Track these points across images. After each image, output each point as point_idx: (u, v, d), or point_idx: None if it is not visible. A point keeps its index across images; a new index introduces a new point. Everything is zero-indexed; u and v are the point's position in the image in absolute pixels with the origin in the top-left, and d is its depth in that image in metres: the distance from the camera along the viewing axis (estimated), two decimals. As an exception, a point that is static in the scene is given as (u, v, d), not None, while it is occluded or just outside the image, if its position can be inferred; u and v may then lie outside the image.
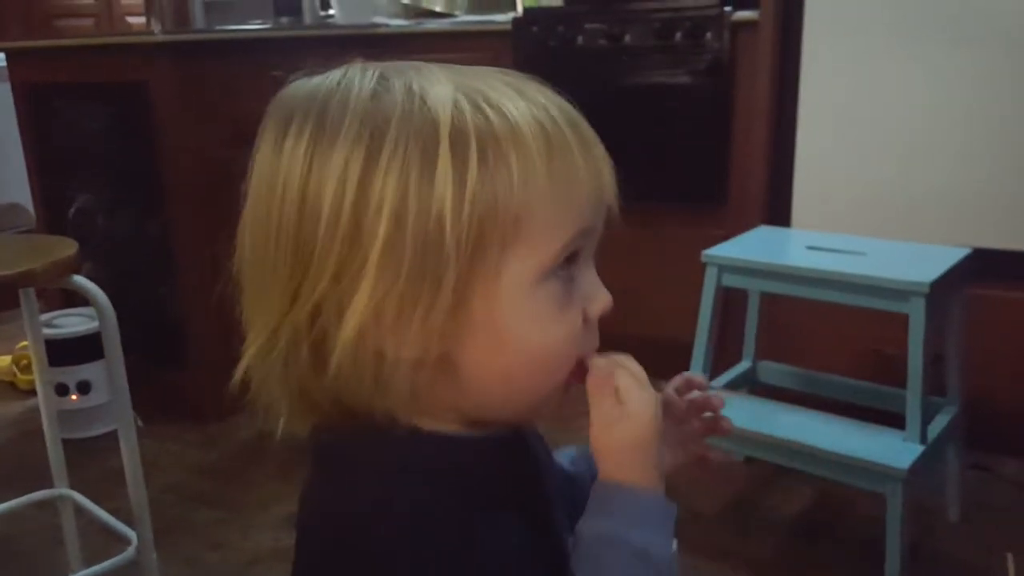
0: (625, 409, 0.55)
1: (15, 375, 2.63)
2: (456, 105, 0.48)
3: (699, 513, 1.94)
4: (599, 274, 0.56)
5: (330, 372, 0.49)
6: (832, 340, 2.10)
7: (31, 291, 1.55)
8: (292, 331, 0.50)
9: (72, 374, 2.30)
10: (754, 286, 1.89)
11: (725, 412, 0.67)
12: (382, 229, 0.47)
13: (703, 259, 1.81)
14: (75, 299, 2.51)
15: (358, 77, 0.50)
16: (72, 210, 2.46)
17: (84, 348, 2.26)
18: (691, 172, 2.41)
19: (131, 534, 1.51)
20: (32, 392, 2.44)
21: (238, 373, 0.53)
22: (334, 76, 0.51)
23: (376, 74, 0.51)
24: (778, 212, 2.26)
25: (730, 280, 1.82)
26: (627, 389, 0.55)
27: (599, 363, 0.55)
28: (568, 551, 0.57)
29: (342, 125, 0.48)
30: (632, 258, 2.51)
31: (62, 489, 1.67)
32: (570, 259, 0.52)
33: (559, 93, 0.54)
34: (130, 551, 1.49)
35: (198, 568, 1.79)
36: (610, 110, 2.55)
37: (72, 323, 2.33)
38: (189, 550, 1.85)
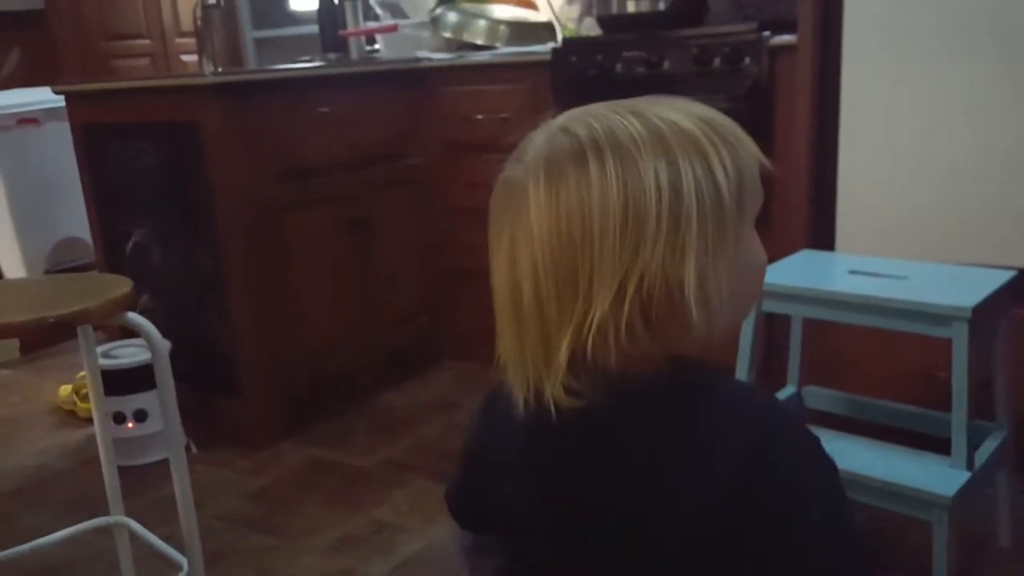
0: None
1: (75, 404, 2.72)
2: (694, 123, 0.66)
3: (744, 540, 1.92)
4: None
5: (660, 327, 0.65)
6: (879, 364, 2.08)
7: (89, 327, 1.62)
8: (630, 306, 0.64)
9: (129, 403, 2.37)
10: (795, 311, 1.88)
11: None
12: (694, 211, 0.64)
13: (742, 285, 1.81)
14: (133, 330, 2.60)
15: (617, 120, 0.66)
16: (129, 244, 2.55)
17: (141, 377, 2.33)
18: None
19: (183, 560, 1.55)
20: (91, 420, 2.52)
21: (561, 360, 0.66)
22: (592, 123, 0.67)
23: (630, 113, 0.67)
24: (822, 236, 2.25)
25: (770, 306, 1.82)
26: None
27: None
28: None
29: (639, 150, 0.64)
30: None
31: (117, 516, 1.73)
32: None
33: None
34: (181, 577, 1.53)
35: (248, 594, 1.83)
36: (651, 136, 2.57)
37: (130, 353, 2.41)
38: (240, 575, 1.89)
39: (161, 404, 1.51)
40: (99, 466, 1.74)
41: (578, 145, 0.66)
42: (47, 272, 3.25)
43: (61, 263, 3.17)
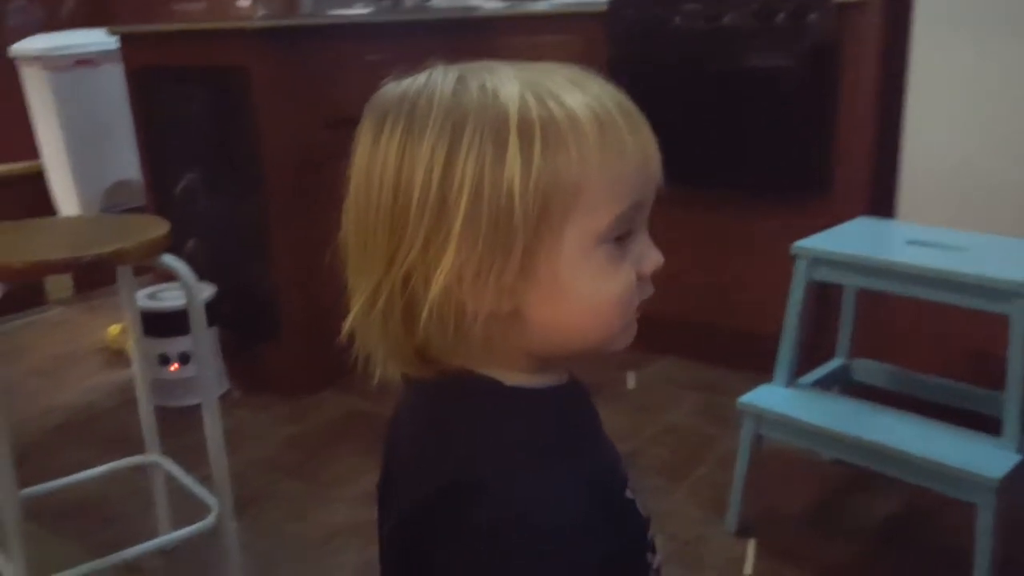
0: None
1: (124, 343, 2.77)
2: (523, 99, 0.57)
3: (780, 513, 1.88)
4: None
5: (420, 325, 0.58)
6: (933, 338, 2.00)
7: (128, 268, 1.63)
8: (388, 292, 0.59)
9: (174, 345, 2.40)
10: (845, 280, 1.81)
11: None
12: (463, 204, 0.56)
13: (792, 251, 1.75)
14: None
15: (440, 79, 0.59)
16: (178, 188, 2.57)
17: (186, 320, 2.34)
18: (793, 160, 2.32)
19: (213, 502, 1.57)
20: (138, 361, 2.57)
21: (344, 329, 0.62)
22: (421, 78, 0.60)
23: (455, 75, 0.59)
24: (883, 203, 2.16)
25: (821, 274, 1.75)
26: None
27: None
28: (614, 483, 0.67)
29: (428, 120, 0.57)
30: (729, 248, 2.45)
31: (153, 456, 1.75)
32: (624, 230, 0.60)
33: (617, 83, 0.62)
34: (210, 519, 1.55)
35: (277, 538, 1.85)
36: (708, 95, 2.49)
37: (176, 296, 2.42)
38: (271, 521, 1.91)
39: (195, 348, 1.51)
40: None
41: (388, 104, 0.59)
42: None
43: (116, 205, 3.20)
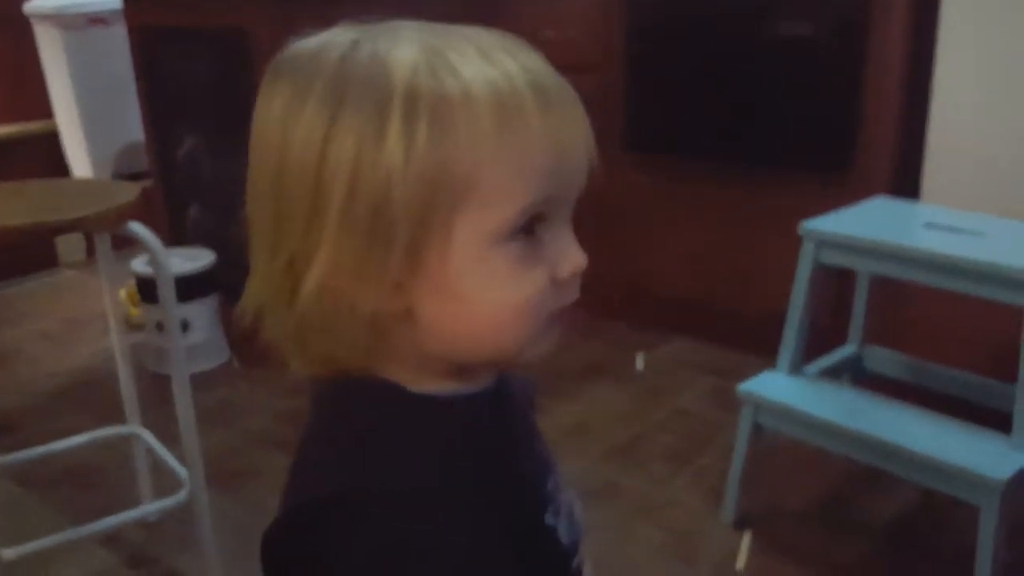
0: None
1: (129, 309, 2.75)
2: (414, 70, 0.49)
3: (784, 509, 1.81)
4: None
5: (298, 319, 0.53)
6: (949, 327, 1.90)
7: (106, 236, 1.59)
8: (274, 280, 0.53)
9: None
10: (854, 264, 1.72)
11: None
12: (339, 189, 0.49)
13: (799, 232, 1.66)
14: (184, 238, 2.59)
15: (334, 40, 0.52)
16: (180, 152, 2.53)
17: (184, 287, 2.30)
18: (815, 135, 2.21)
19: (186, 476, 1.53)
20: (140, 326, 2.54)
21: (239, 313, 0.56)
22: (319, 39, 0.53)
23: (352, 37, 0.52)
24: (907, 183, 2.05)
25: (831, 257, 1.66)
26: None
27: None
28: (532, 504, 0.60)
29: (312, 87, 0.50)
30: (748, 226, 2.35)
31: (133, 427, 1.73)
32: (535, 222, 0.52)
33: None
34: (181, 495, 1.51)
35: (261, 514, 1.79)
36: (730, 65, 2.38)
37: (176, 263, 2.38)
38: (258, 495, 1.87)
39: (165, 319, 1.47)
40: (139, 372, 1.74)
41: (283, 66, 0.52)
42: (114, 177, 3.27)
43: (129, 167, 3.17)
